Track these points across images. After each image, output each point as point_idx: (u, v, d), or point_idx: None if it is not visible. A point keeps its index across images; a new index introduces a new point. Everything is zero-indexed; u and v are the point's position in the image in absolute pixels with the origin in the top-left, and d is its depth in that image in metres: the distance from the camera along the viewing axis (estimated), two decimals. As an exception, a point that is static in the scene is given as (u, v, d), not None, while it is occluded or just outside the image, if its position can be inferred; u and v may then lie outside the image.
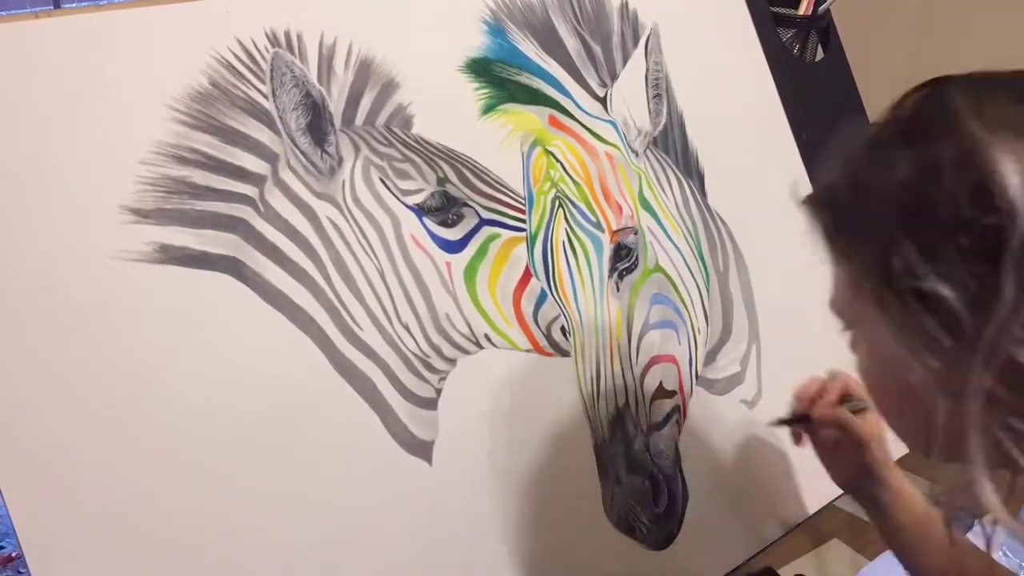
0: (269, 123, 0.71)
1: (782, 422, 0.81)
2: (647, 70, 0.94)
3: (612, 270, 0.88)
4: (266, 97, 0.71)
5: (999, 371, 0.44)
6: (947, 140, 0.46)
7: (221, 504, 0.66)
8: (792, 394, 0.81)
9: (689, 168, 0.97)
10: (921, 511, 0.76)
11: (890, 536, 0.78)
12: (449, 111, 0.81)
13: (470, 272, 0.79)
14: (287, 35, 0.73)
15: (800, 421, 0.80)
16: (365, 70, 0.76)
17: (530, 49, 0.87)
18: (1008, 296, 0.43)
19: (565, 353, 0.84)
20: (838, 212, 0.51)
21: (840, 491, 0.95)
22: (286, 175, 0.72)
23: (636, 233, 0.90)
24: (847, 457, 0.78)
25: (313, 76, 0.73)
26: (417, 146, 0.78)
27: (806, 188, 0.57)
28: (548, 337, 0.83)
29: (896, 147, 0.48)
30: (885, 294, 0.48)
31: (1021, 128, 0.44)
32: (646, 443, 0.87)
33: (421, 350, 0.76)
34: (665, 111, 0.95)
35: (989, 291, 0.43)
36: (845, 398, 0.78)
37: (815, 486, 0.93)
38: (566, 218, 0.86)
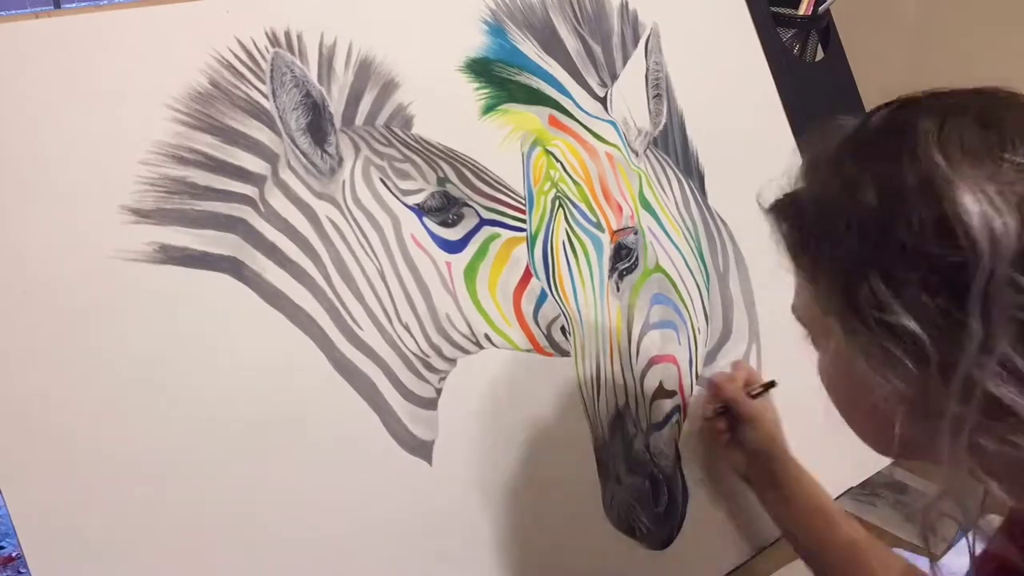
0: (269, 123, 0.71)
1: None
2: (647, 70, 0.94)
3: (612, 270, 0.88)
4: (266, 97, 0.71)
5: (976, 403, 0.44)
6: (911, 165, 0.46)
7: (221, 504, 0.66)
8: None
9: (689, 168, 0.97)
10: (816, 503, 0.81)
11: (783, 523, 0.84)
12: (449, 111, 0.81)
13: (470, 272, 0.79)
14: (287, 35, 0.73)
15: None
16: (365, 70, 0.76)
17: (530, 49, 0.87)
18: (975, 332, 0.43)
19: (565, 353, 0.84)
20: (803, 230, 0.51)
21: (840, 491, 0.96)
22: (286, 175, 0.72)
23: (636, 233, 0.90)
24: (739, 440, 0.86)
25: (313, 76, 0.73)
26: (417, 146, 0.78)
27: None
28: (548, 337, 0.83)
29: (862, 167, 0.48)
30: (851, 320, 0.48)
31: (981, 155, 0.45)
32: (646, 443, 0.87)
33: (421, 350, 0.76)
34: (665, 111, 0.95)
35: (956, 326, 0.44)
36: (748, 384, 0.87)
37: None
38: (566, 218, 0.86)
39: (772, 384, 0.89)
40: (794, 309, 0.55)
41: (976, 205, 0.43)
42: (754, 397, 0.88)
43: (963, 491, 0.49)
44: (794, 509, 0.83)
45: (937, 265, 0.44)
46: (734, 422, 0.88)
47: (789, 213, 0.53)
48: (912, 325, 0.45)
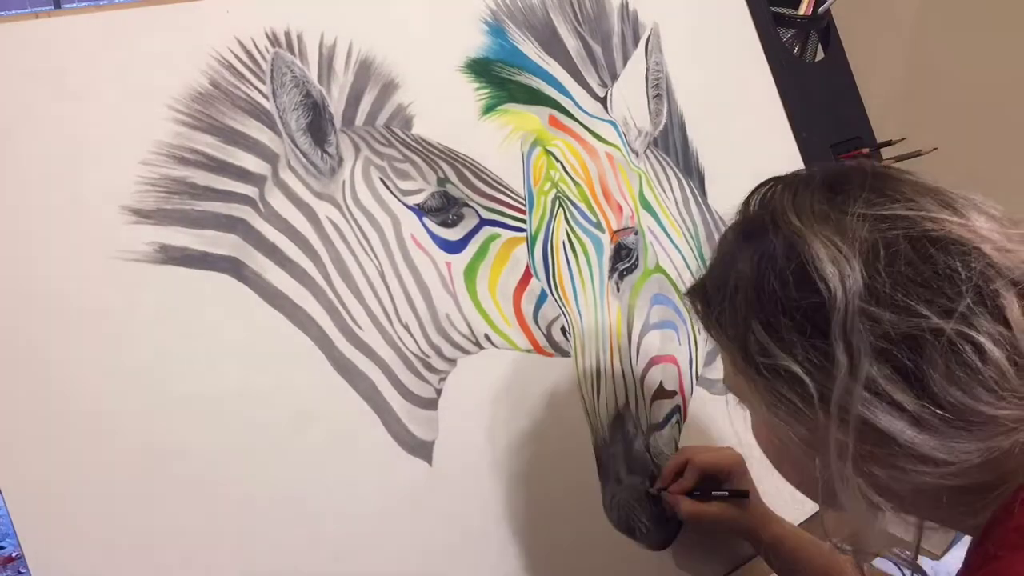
0: (269, 123, 0.71)
1: (657, 491, 0.86)
2: (647, 70, 0.94)
3: (612, 270, 0.88)
4: (266, 97, 0.71)
5: (853, 429, 0.50)
6: (774, 231, 0.54)
7: (221, 504, 0.66)
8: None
9: (689, 168, 0.97)
10: (808, 554, 0.81)
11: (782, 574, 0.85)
12: (449, 111, 0.81)
13: (470, 272, 0.79)
14: (287, 35, 0.73)
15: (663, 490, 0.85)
16: (365, 70, 0.76)
17: (530, 49, 0.87)
18: (841, 362, 0.50)
19: (565, 353, 0.84)
20: (706, 303, 0.60)
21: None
22: (286, 175, 0.72)
23: (636, 233, 0.90)
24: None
25: (313, 76, 0.73)
26: (417, 146, 0.78)
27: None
28: (548, 337, 0.83)
29: (740, 243, 0.57)
30: (750, 371, 0.55)
31: (829, 213, 0.53)
32: (646, 443, 0.87)
33: (421, 350, 0.76)
34: (665, 111, 0.95)
35: (826, 359, 0.51)
36: (705, 478, 0.84)
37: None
38: (566, 218, 0.86)
39: (744, 495, 0.83)
40: (724, 380, 0.62)
41: (827, 253, 0.51)
42: (714, 498, 0.84)
43: (865, 520, 0.55)
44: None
45: (803, 308, 0.52)
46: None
47: (696, 295, 0.61)
48: (791, 365, 0.52)
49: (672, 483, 0.85)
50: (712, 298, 0.58)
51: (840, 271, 0.50)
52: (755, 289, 0.54)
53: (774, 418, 0.55)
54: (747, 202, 0.60)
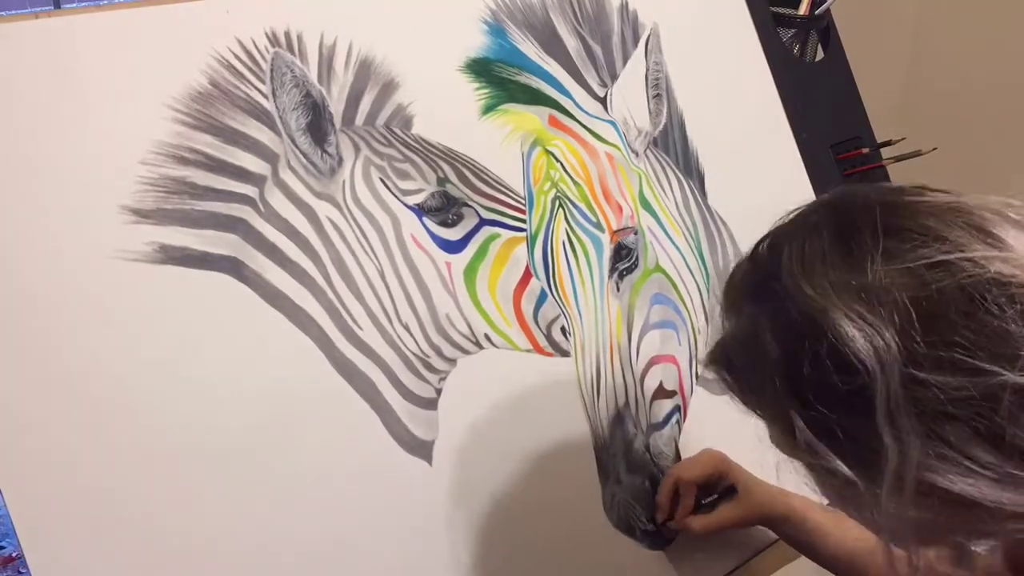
0: (269, 123, 0.71)
1: (661, 527, 0.85)
2: (647, 70, 0.94)
3: (612, 270, 0.88)
4: (266, 97, 0.71)
5: (920, 501, 0.46)
6: (791, 301, 0.48)
7: (221, 503, 0.66)
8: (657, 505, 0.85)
9: (689, 168, 0.97)
10: (850, 545, 0.77)
11: (825, 565, 0.80)
12: (449, 111, 0.81)
13: (470, 272, 0.79)
14: (287, 35, 0.73)
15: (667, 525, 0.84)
16: (365, 70, 0.76)
17: (530, 49, 0.87)
18: (891, 447, 0.45)
19: (565, 353, 0.84)
20: (737, 379, 0.54)
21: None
22: (286, 175, 0.72)
23: (636, 233, 0.90)
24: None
25: (313, 76, 0.73)
26: (417, 146, 0.78)
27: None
28: (548, 337, 0.83)
29: (757, 309, 0.51)
30: (798, 458, 0.51)
31: (845, 275, 0.47)
32: (646, 443, 0.87)
33: (421, 350, 0.76)
34: (665, 111, 0.95)
35: (875, 450, 0.46)
36: (702, 488, 0.83)
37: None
38: (566, 218, 0.86)
39: (733, 490, 0.83)
40: (771, 439, 0.56)
41: (856, 330, 0.45)
42: (706, 506, 0.83)
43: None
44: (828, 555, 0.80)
45: (843, 394, 0.46)
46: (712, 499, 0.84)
47: (721, 363, 0.55)
48: (841, 467, 0.48)
49: (672, 509, 0.84)
50: (742, 373, 0.54)
51: (874, 346, 0.45)
52: (789, 377, 0.49)
53: (827, 494, 0.52)
54: (755, 252, 0.54)
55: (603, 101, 0.91)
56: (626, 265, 0.89)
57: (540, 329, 0.83)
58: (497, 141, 0.83)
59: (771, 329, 0.50)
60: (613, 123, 0.91)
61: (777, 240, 0.53)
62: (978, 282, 0.44)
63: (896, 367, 0.44)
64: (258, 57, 0.71)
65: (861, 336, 0.45)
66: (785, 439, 0.51)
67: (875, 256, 0.47)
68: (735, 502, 0.82)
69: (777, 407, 0.50)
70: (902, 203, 0.49)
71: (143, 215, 0.65)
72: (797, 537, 0.81)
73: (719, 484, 0.84)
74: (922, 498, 0.46)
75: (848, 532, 0.77)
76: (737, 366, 0.54)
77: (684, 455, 0.89)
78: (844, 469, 0.47)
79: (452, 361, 0.78)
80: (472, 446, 0.78)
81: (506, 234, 0.82)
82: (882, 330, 0.45)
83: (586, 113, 0.90)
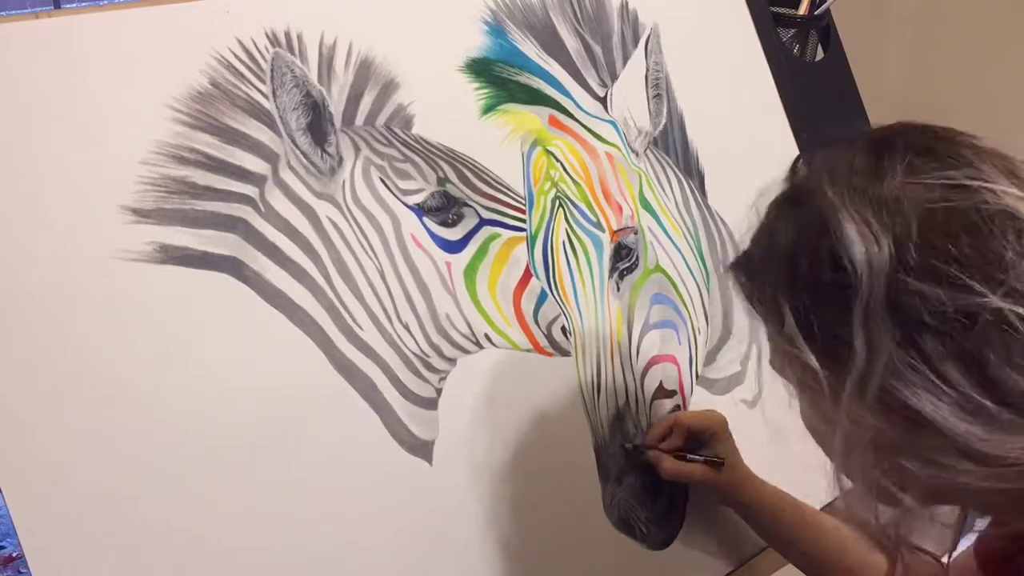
0: (269, 123, 0.71)
1: (634, 448, 0.86)
2: (647, 70, 0.94)
3: (612, 270, 0.88)
4: (266, 97, 0.71)
5: (880, 410, 0.47)
6: (811, 205, 0.50)
7: (221, 503, 0.66)
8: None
9: (689, 168, 0.97)
10: (788, 516, 0.81)
11: (766, 537, 0.85)
12: (449, 111, 0.81)
13: (470, 272, 0.79)
14: (287, 35, 0.73)
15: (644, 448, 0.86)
16: (365, 70, 0.76)
17: (530, 49, 0.87)
18: (860, 351, 0.46)
19: (565, 353, 0.84)
20: (748, 277, 0.56)
21: (838, 492, 0.95)
22: (286, 175, 0.72)
23: (636, 233, 0.90)
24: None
25: (313, 76, 0.73)
26: (417, 146, 0.78)
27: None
28: (548, 337, 0.83)
29: (781, 213, 0.54)
30: (782, 354, 0.53)
31: (865, 179, 0.48)
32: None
33: (421, 350, 0.76)
34: (665, 111, 0.95)
35: (845, 349, 0.47)
36: (689, 437, 0.84)
37: (815, 486, 0.93)
38: (566, 218, 0.86)
39: (720, 463, 0.83)
40: (771, 363, 0.57)
41: (856, 231, 0.47)
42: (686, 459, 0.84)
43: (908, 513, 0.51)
44: (771, 515, 0.83)
45: (829, 288, 0.48)
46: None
47: (738, 267, 0.57)
48: (813, 362, 0.49)
49: (656, 442, 0.85)
50: (753, 272, 0.55)
51: (868, 250, 0.46)
52: (790, 268, 0.50)
53: (804, 403, 0.53)
54: (794, 168, 0.56)
55: (603, 101, 0.91)
56: (626, 265, 0.89)
57: (540, 329, 0.83)
58: (497, 141, 0.83)
59: (786, 223, 0.52)
60: (613, 123, 0.91)
61: (816, 152, 0.54)
62: (993, 210, 0.45)
63: (884, 272, 0.45)
64: (258, 57, 0.71)
65: (859, 239, 0.46)
66: (776, 336, 0.52)
67: (899, 168, 0.48)
68: (708, 469, 0.83)
69: (772, 300, 0.51)
70: (945, 132, 0.50)
71: (143, 215, 0.65)
72: (760, 523, 0.84)
73: (711, 444, 0.84)
74: (882, 408, 0.47)
75: (820, 532, 0.80)
76: (752, 263, 0.55)
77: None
78: (815, 363, 0.49)
79: (452, 361, 0.78)
80: (472, 446, 0.78)
81: (506, 234, 0.82)
82: (881, 236, 0.46)
83: (586, 113, 0.90)
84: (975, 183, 0.46)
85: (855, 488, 0.52)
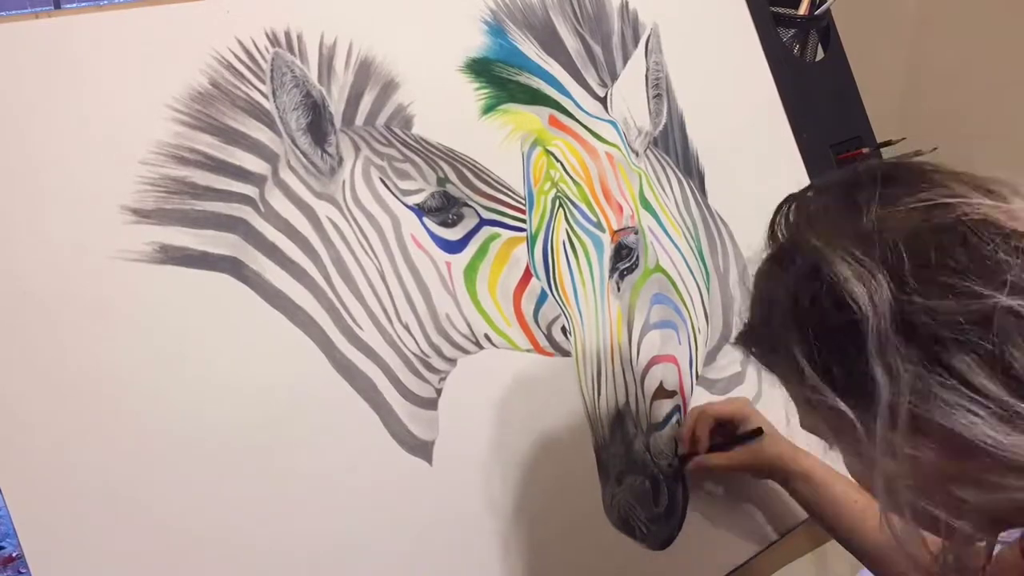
0: (269, 123, 0.71)
1: (679, 461, 0.87)
2: (647, 70, 0.94)
3: (613, 270, 0.88)
4: (266, 97, 0.71)
5: (915, 437, 0.47)
6: (800, 256, 0.51)
7: (221, 503, 0.66)
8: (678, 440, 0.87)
9: (689, 168, 0.97)
10: (839, 491, 0.79)
11: (819, 519, 0.82)
12: (449, 111, 0.81)
13: (470, 272, 0.79)
14: (287, 35, 0.73)
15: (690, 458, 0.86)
16: (365, 70, 0.76)
17: (530, 49, 0.87)
18: (880, 379, 0.46)
19: (565, 353, 0.84)
20: (758, 344, 0.57)
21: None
22: (286, 175, 0.72)
23: (637, 233, 0.90)
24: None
25: (313, 76, 0.73)
26: (417, 146, 0.78)
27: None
28: (548, 337, 0.83)
29: (773, 272, 0.54)
30: (810, 408, 0.52)
31: (845, 221, 0.50)
32: (646, 443, 0.87)
33: (421, 350, 0.76)
34: (665, 111, 0.95)
35: (868, 387, 0.47)
36: (719, 427, 0.85)
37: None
38: (566, 218, 0.86)
39: (756, 433, 0.84)
40: (802, 424, 0.57)
41: (851, 271, 0.47)
42: (735, 444, 0.85)
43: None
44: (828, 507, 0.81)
45: (839, 330, 0.48)
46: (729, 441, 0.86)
47: (745, 339, 0.58)
48: (842, 406, 0.49)
49: (692, 443, 0.85)
50: (760, 338, 0.56)
51: (866, 284, 0.47)
52: (794, 319, 0.51)
53: (844, 453, 0.53)
54: (772, 229, 0.57)
55: (603, 101, 0.91)
56: (626, 265, 0.89)
57: (540, 329, 0.83)
58: (497, 141, 0.83)
59: (781, 282, 0.53)
60: (613, 123, 0.91)
61: (788, 207, 0.56)
62: (975, 220, 0.46)
63: (887, 300, 0.46)
64: (258, 57, 0.71)
65: (853, 275, 0.47)
66: (800, 391, 0.52)
67: (873, 201, 0.49)
68: (754, 447, 0.83)
69: (786, 357, 0.51)
70: (906, 162, 0.53)
71: (143, 215, 0.65)
72: (809, 499, 0.82)
73: (740, 427, 0.85)
74: (917, 434, 0.47)
75: (870, 520, 0.77)
76: (757, 331, 0.56)
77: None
78: (842, 405, 0.49)
79: (452, 361, 0.78)
80: (472, 446, 0.78)
81: (506, 234, 0.82)
82: (874, 269, 0.47)
83: (586, 113, 0.90)
84: (952, 200, 0.47)
85: (904, 526, 0.51)
